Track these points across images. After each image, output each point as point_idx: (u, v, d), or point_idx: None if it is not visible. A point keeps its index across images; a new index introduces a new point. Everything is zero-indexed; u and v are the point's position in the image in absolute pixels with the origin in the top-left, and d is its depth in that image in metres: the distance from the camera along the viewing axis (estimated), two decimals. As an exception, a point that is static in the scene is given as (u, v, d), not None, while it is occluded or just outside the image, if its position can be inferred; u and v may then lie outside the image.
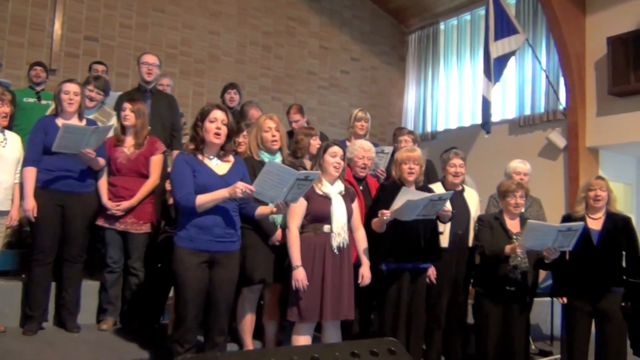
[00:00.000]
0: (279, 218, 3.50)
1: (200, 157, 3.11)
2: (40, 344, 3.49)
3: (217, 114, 3.08)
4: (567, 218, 3.97)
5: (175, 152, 4.25)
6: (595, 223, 3.83)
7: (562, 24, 6.83)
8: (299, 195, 3.10)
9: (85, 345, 3.57)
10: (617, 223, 3.80)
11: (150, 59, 4.75)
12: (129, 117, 3.85)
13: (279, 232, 3.49)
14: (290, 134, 4.79)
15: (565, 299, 3.90)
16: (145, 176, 3.87)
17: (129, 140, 3.89)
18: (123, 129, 3.92)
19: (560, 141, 7.18)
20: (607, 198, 3.84)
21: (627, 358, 3.71)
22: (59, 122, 3.65)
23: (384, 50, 9.64)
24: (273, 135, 3.59)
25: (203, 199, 2.97)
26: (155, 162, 3.89)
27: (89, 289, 4.08)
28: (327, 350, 1.04)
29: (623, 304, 3.72)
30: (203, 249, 3.02)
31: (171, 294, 3.88)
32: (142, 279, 3.92)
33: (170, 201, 3.67)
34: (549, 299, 5.32)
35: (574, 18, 6.95)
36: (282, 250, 3.46)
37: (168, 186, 3.60)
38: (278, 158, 3.63)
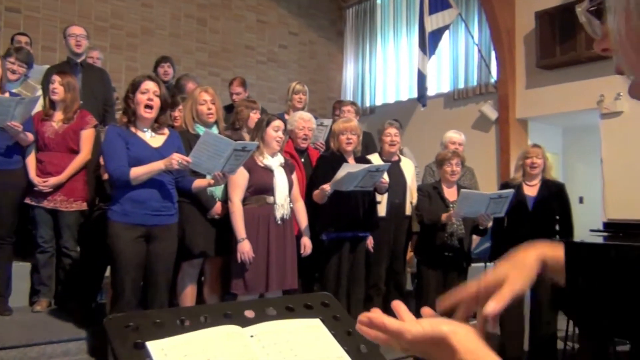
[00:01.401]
0: (217, 191, 3.48)
1: (133, 129, 3.02)
2: (-30, 329, 3.35)
3: (149, 85, 3.00)
4: (504, 185, 4.14)
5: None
6: (531, 189, 4.00)
7: (494, -1, 7.02)
8: (237, 166, 3.08)
9: (18, 327, 3.45)
10: (551, 189, 3.97)
11: (77, 30, 4.54)
12: (58, 90, 3.68)
13: (218, 205, 3.46)
14: (230, 107, 4.73)
15: None
16: (76, 151, 3.73)
17: (58, 115, 3.71)
18: (52, 104, 3.74)
19: (492, 113, 7.43)
20: (543, 166, 3.99)
21: (557, 317, 3.93)
22: (-21, 96, 3.45)
23: (322, 25, 9.61)
24: (209, 108, 3.53)
25: (138, 171, 2.90)
26: (86, 137, 3.74)
27: (21, 271, 3.93)
28: (261, 304, 1.05)
29: None
30: (139, 223, 2.96)
31: (108, 272, 3.79)
32: (76, 258, 3.81)
33: (105, 177, 3.56)
34: (483, 264, 5.57)
35: (505, -7, 7.15)
36: (221, 223, 3.44)
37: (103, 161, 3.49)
38: (214, 131, 3.58)
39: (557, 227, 4.02)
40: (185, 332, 0.98)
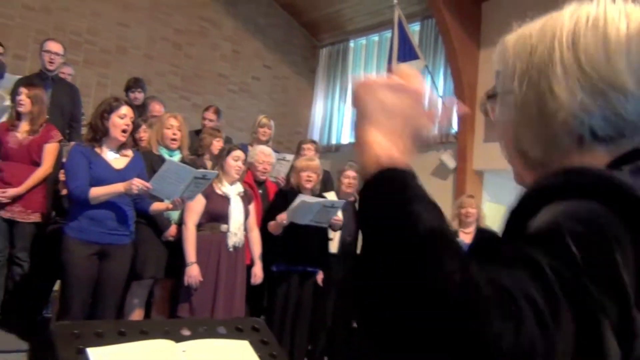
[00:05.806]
0: (174, 214, 3.56)
1: (97, 149, 3.10)
2: None
3: (127, 110, 3.11)
4: None
5: (73, 144, 4.15)
6: (467, 237, 4.23)
7: (459, 55, 7.40)
8: (196, 193, 3.19)
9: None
10: (484, 236, 4.18)
11: (53, 47, 4.58)
12: (25, 103, 3.72)
13: (173, 228, 3.54)
14: (200, 132, 4.83)
15: None
16: (38, 164, 3.75)
17: (24, 126, 3.74)
18: (18, 115, 3.78)
19: (451, 162, 7.71)
20: (476, 215, 4.25)
21: None
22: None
23: (295, 61, 9.86)
24: (174, 134, 3.65)
25: (97, 192, 2.97)
26: (49, 150, 3.78)
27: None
28: (197, 324, 1.19)
29: None
30: (94, 240, 3.02)
31: (57, 286, 3.80)
32: (27, 270, 3.79)
33: (64, 192, 3.60)
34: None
35: (470, 50, 7.55)
36: (175, 246, 3.52)
37: (62, 176, 3.54)
38: (177, 156, 3.68)
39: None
40: (124, 342, 1.10)
